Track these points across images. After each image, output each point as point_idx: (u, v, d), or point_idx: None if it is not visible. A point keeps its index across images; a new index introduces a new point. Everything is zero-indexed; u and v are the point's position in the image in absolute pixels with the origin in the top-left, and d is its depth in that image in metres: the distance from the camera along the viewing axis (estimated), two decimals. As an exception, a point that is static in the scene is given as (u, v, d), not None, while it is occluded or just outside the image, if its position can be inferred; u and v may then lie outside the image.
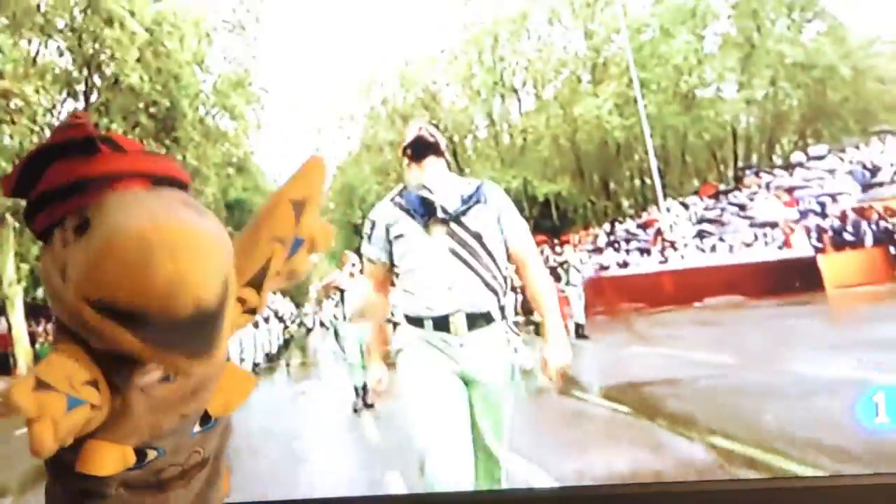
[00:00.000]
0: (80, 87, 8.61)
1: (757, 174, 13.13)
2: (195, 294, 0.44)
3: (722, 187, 12.33)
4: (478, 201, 1.83)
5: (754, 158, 14.51)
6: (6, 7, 7.32)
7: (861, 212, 7.33)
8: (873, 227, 6.94)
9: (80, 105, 8.73)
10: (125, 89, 8.50)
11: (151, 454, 0.53)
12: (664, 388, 4.18)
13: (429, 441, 1.67)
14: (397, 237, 1.83)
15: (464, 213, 1.80)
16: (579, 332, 7.28)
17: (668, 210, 12.84)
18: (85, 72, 8.32)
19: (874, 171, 8.91)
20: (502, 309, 1.84)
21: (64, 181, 0.53)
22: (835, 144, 13.32)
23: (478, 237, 1.80)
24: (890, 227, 6.83)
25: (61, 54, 7.52)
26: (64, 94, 7.72)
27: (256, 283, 0.54)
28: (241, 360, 7.14)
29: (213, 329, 0.46)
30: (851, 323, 5.29)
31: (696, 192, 13.05)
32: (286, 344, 10.47)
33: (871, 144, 11.48)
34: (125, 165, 0.54)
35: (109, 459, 0.48)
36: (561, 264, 8.63)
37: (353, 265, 5.35)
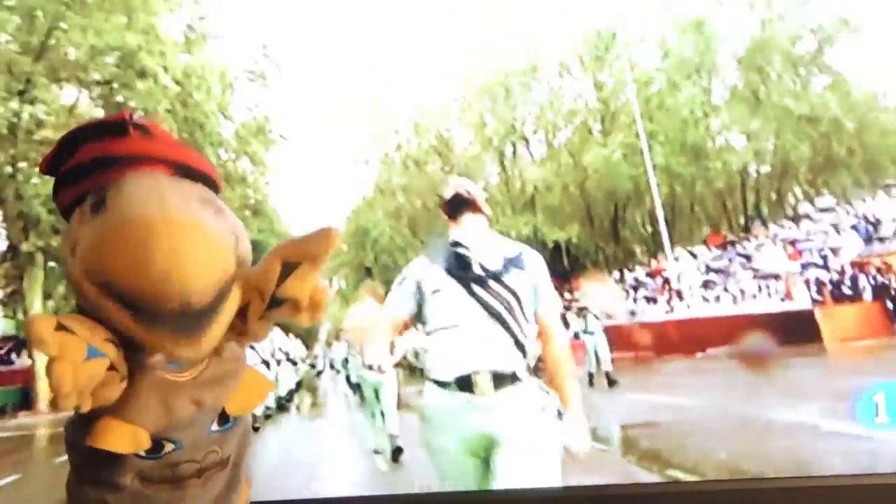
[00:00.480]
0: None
1: (765, 224, 13.35)
2: (184, 290, 0.46)
3: (729, 237, 12.51)
4: (517, 266, 1.79)
5: (764, 208, 14.79)
6: (47, 57, 7.94)
7: (860, 266, 7.54)
8: (871, 281, 7.13)
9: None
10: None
11: (168, 446, 0.53)
12: (642, 430, 4.40)
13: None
14: (434, 292, 1.78)
15: (503, 273, 1.77)
16: (610, 381, 7.14)
17: (676, 259, 13.04)
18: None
19: (876, 224, 9.11)
20: (529, 368, 1.79)
21: (88, 158, 0.55)
22: (843, 196, 13.60)
23: (515, 296, 1.77)
24: (886, 282, 7.01)
25: (96, 105, 8.10)
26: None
27: (241, 318, 0.55)
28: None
29: (200, 323, 0.49)
30: (847, 374, 5.43)
31: (704, 241, 13.26)
32: (297, 386, 10.57)
33: (878, 198, 11.69)
34: (150, 149, 0.56)
35: (121, 437, 0.49)
36: (579, 310, 8.24)
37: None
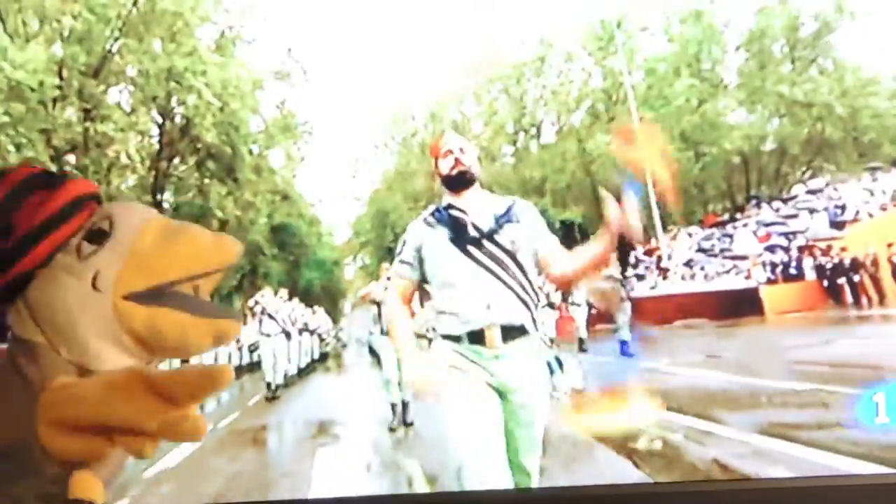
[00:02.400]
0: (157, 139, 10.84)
1: (758, 205, 14.50)
2: (235, 246, 0.49)
3: (721, 218, 13.75)
4: (509, 221, 1.87)
5: (764, 189, 15.92)
6: (105, 79, 9.63)
7: (808, 249, 8.81)
8: (815, 262, 8.40)
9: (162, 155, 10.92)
10: (195, 139, 10.73)
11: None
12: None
13: (465, 452, 1.66)
14: (431, 254, 1.87)
15: (496, 231, 1.85)
16: (581, 347, 8.28)
17: (674, 238, 14.37)
18: (167, 130, 10.57)
19: (843, 209, 10.32)
20: (535, 322, 1.86)
21: (57, 209, 0.55)
22: (835, 178, 14.71)
23: (511, 255, 1.84)
24: (825, 263, 8.27)
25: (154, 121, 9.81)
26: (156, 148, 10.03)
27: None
28: (275, 370, 7.62)
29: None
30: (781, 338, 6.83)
31: (700, 222, 14.51)
32: (322, 358, 11.96)
33: (863, 180, 12.80)
34: (88, 187, 0.58)
35: (98, 489, 0.48)
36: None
37: (389, 279, 5.28)
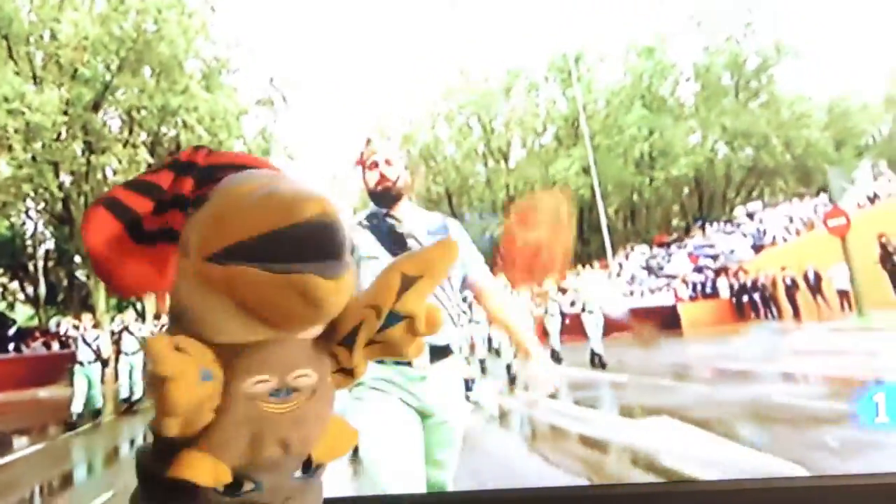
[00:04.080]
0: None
1: (702, 227, 16.14)
2: (318, 199, 0.44)
3: (668, 239, 15.35)
4: (441, 237, 1.38)
5: (715, 211, 17.63)
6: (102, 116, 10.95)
7: (724, 271, 10.35)
8: (730, 283, 9.91)
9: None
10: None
11: (248, 485, 0.48)
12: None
13: (387, 476, 1.61)
14: (369, 258, 1.76)
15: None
16: (555, 357, 8.47)
17: (626, 257, 15.95)
18: (158, 157, 11.87)
19: (763, 234, 11.92)
20: (458, 340, 1.85)
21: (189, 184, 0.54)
22: (773, 200, 16.47)
23: None
24: (737, 284, 9.78)
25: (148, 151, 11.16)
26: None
27: (347, 344, 0.51)
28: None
29: (339, 242, 0.46)
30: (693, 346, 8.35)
31: (649, 242, 16.12)
32: None
33: (781, 207, 14.49)
34: (222, 158, 0.55)
35: (202, 468, 0.46)
36: (540, 294, 9.82)
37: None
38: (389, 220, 1.81)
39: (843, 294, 8.97)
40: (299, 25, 16.92)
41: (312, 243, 0.45)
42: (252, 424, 0.47)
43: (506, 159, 18.64)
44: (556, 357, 8.76)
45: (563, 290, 10.77)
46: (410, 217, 1.85)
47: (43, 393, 9.16)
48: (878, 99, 18.91)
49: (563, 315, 9.50)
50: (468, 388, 5.97)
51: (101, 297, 11.62)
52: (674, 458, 3.28)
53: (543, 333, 9.60)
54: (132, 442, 5.87)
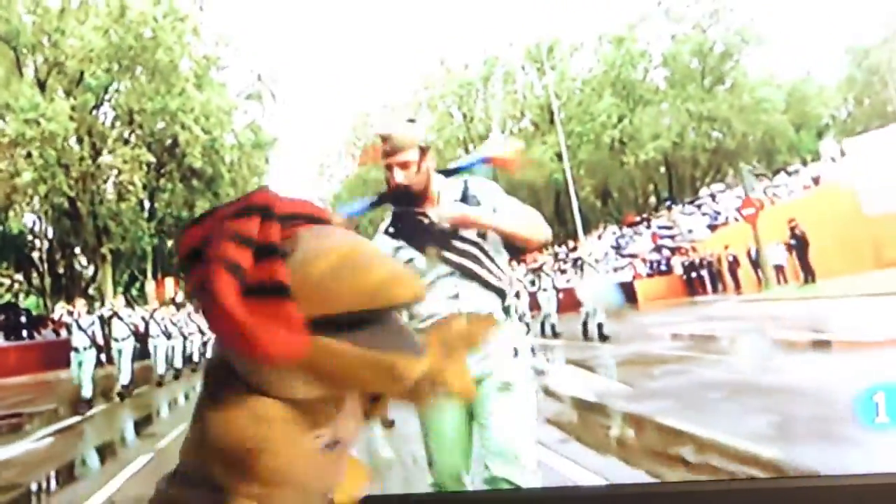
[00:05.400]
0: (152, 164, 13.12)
1: (669, 208, 17.39)
2: (411, 283, 0.43)
3: (637, 219, 16.61)
4: (469, 203, 1.69)
5: (674, 192, 18.92)
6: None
7: (677, 250, 11.62)
8: (682, 260, 11.17)
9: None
10: (180, 161, 13.08)
11: None
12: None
13: (436, 446, 1.60)
14: (407, 262, 1.64)
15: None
16: (554, 331, 9.06)
17: (599, 238, 17.23)
18: (158, 155, 12.89)
19: (717, 215, 13.20)
20: (507, 310, 1.71)
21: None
22: (736, 181, 17.76)
23: (477, 245, 1.69)
24: (687, 261, 11.04)
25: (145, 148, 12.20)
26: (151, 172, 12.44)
27: (374, 402, 0.50)
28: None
29: (415, 338, 0.45)
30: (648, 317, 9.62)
31: (619, 223, 17.39)
32: None
33: (726, 192, 15.72)
34: (296, 207, 0.49)
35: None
36: (534, 270, 10.64)
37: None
38: (416, 217, 1.72)
39: (778, 269, 10.28)
40: (283, 22, 17.85)
41: (404, 327, 0.46)
42: (308, 475, 0.47)
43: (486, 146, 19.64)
44: (554, 331, 9.25)
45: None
46: (434, 201, 1.73)
47: (63, 374, 10.07)
48: (834, 82, 20.25)
49: (556, 290, 9.99)
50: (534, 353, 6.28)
51: (108, 283, 12.71)
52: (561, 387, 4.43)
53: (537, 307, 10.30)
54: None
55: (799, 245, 8.68)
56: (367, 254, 0.44)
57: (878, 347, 4.40)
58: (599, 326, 7.97)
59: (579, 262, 9.69)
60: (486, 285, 1.71)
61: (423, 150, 1.72)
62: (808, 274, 9.01)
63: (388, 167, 1.71)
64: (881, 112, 19.52)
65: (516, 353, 1.72)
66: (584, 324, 8.36)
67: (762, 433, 2.46)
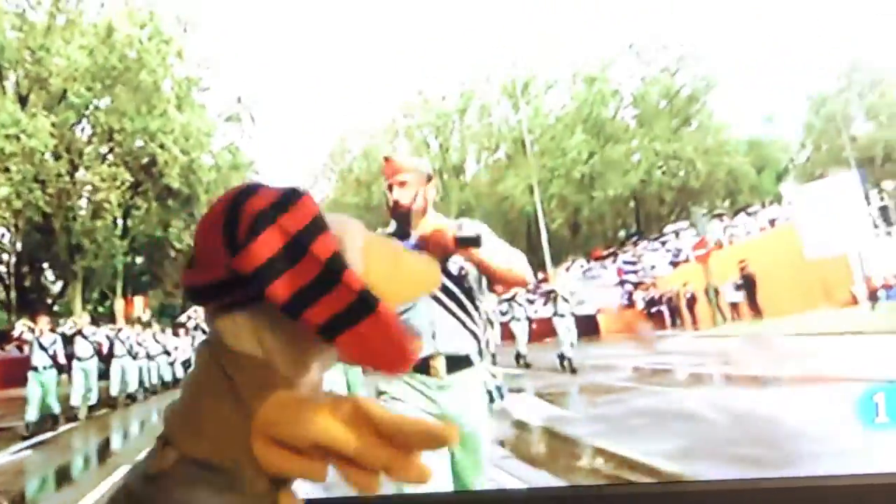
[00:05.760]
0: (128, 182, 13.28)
1: (635, 243, 18.01)
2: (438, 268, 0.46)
3: (604, 253, 17.16)
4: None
5: (650, 228, 19.59)
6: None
7: (639, 285, 12.17)
8: (643, 295, 11.71)
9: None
10: (156, 180, 13.26)
11: None
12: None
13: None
14: None
15: (444, 260, 1.77)
16: (520, 361, 9.61)
17: (567, 269, 17.74)
18: (135, 173, 13.05)
19: (678, 252, 13.81)
20: (481, 353, 1.85)
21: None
22: (698, 221, 18.44)
23: (458, 281, 1.81)
24: (647, 296, 11.60)
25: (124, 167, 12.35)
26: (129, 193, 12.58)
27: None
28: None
29: None
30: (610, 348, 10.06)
31: (587, 255, 17.93)
32: None
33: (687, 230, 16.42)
34: None
35: None
36: (508, 300, 11.14)
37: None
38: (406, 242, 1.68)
39: (733, 306, 10.86)
40: (264, 46, 18.29)
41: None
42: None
43: (458, 176, 20.26)
44: (523, 361, 9.72)
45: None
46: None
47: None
48: (794, 128, 21.33)
49: (529, 320, 10.46)
50: (496, 398, 6.92)
51: (77, 301, 12.74)
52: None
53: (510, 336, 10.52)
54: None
55: (747, 285, 9.28)
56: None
57: (810, 383, 4.87)
58: (569, 360, 8.35)
59: (552, 295, 10.21)
60: (463, 324, 1.82)
61: (427, 179, 1.81)
62: (756, 313, 9.59)
63: (389, 187, 1.79)
64: (837, 158, 20.59)
65: (492, 398, 1.86)
66: (561, 355, 8.65)
67: (669, 453, 2.84)
